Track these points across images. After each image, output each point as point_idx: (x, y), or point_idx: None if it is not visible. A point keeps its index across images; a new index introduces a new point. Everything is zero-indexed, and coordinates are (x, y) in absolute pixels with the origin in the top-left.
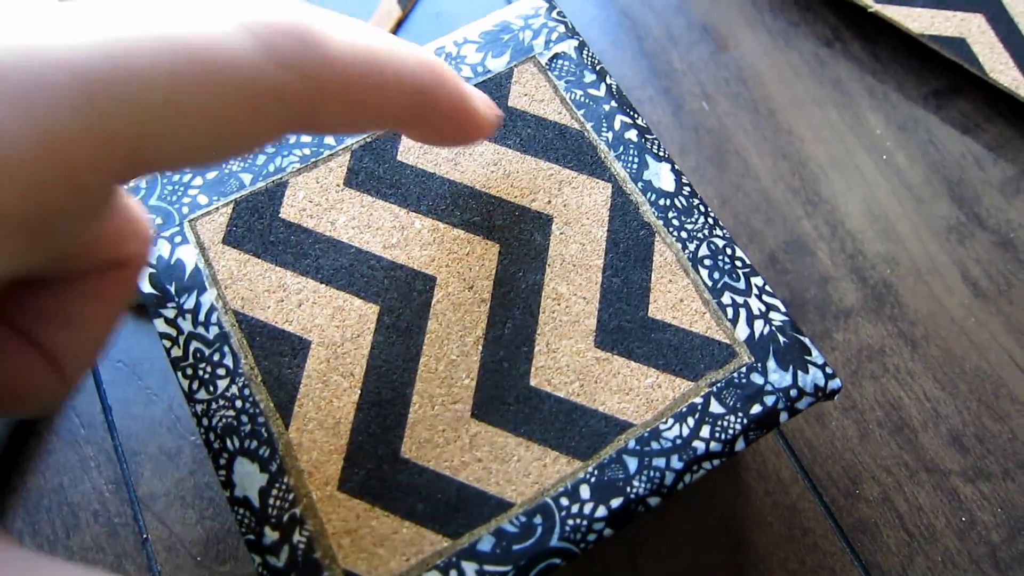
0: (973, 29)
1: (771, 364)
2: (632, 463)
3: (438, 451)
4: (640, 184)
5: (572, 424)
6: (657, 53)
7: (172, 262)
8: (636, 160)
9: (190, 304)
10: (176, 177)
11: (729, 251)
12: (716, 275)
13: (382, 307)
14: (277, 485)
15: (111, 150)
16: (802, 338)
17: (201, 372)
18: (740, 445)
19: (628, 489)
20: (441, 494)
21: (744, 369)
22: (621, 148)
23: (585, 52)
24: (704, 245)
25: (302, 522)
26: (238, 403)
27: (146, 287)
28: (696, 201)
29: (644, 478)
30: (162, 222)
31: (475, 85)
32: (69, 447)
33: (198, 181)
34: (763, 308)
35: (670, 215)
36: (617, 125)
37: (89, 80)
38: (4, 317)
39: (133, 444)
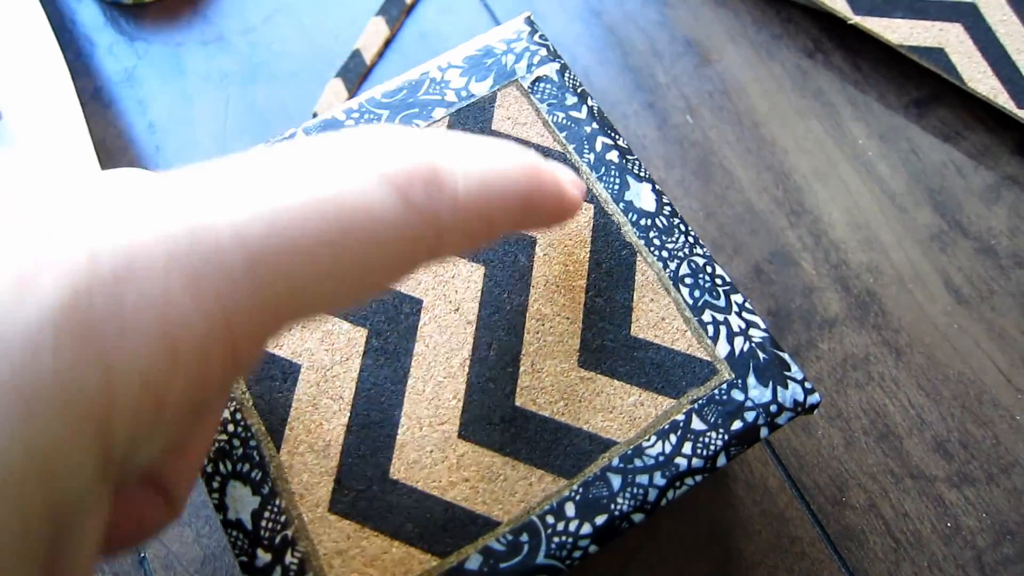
0: (951, 39)
1: (751, 380)
2: (616, 480)
3: (426, 472)
4: (622, 204)
5: (557, 443)
6: (641, 67)
7: None
8: (617, 181)
9: None
10: None
11: (709, 269)
12: (697, 293)
13: (370, 330)
14: (269, 507)
15: (270, 316)
16: (781, 354)
17: None
18: (722, 461)
19: (612, 506)
20: (429, 514)
21: (725, 386)
22: (603, 169)
23: (567, 75)
24: (685, 264)
25: (294, 543)
26: (230, 427)
27: None
28: (676, 220)
29: (628, 495)
30: None
31: (459, 109)
32: None
33: None
34: (743, 325)
35: (651, 235)
36: (599, 146)
37: (256, 256)
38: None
39: None
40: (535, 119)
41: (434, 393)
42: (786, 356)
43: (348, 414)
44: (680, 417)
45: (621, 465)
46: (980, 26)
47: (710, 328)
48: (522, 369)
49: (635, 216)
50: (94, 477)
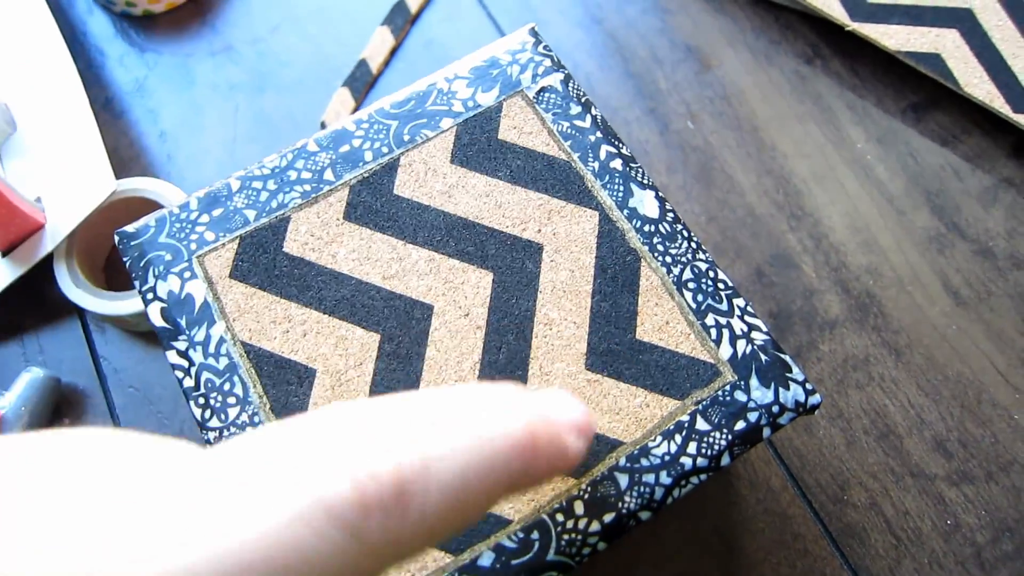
0: (948, 44)
1: (754, 382)
2: (623, 480)
3: None
4: (626, 211)
5: None
6: (643, 74)
7: (182, 297)
8: (621, 188)
9: (200, 336)
10: (183, 215)
11: (712, 274)
12: (700, 297)
13: (383, 335)
14: None
15: None
16: (783, 356)
17: (213, 401)
18: (726, 460)
19: (620, 504)
20: None
21: (728, 387)
22: (607, 177)
23: (571, 85)
24: (688, 269)
25: None
26: (248, 431)
27: (157, 321)
28: (679, 226)
29: (635, 494)
30: (171, 258)
31: (466, 119)
32: None
33: (204, 218)
34: (745, 328)
35: (655, 241)
36: (603, 155)
37: None
38: None
39: None
40: (540, 128)
41: None
42: (787, 358)
43: None
44: (685, 418)
45: (628, 465)
46: (976, 32)
47: (713, 331)
48: (531, 372)
49: (639, 223)
50: None
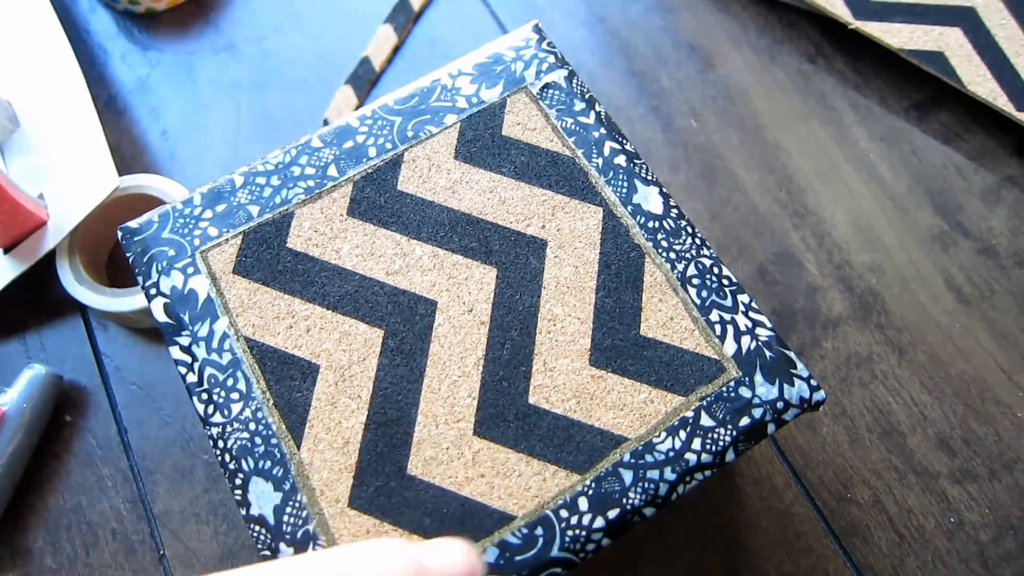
0: (951, 43)
1: (758, 378)
2: (627, 475)
3: (443, 468)
4: (630, 208)
5: (570, 439)
6: (646, 72)
7: (185, 292)
8: (625, 184)
9: (203, 332)
10: (187, 210)
11: (716, 270)
12: (704, 293)
13: (386, 331)
14: (291, 503)
15: None
16: (787, 352)
17: (216, 397)
18: (730, 456)
19: (624, 500)
20: (446, 509)
21: (732, 383)
22: (611, 173)
23: (575, 81)
24: (692, 265)
25: (315, 538)
26: (252, 426)
27: (161, 316)
28: (684, 223)
29: (639, 490)
30: (175, 254)
31: (470, 115)
32: (87, 468)
33: (208, 214)
34: (749, 324)
35: (659, 237)
36: (607, 151)
37: None
38: None
39: (148, 464)
40: (544, 124)
41: (449, 391)
42: (792, 354)
43: (366, 412)
44: (689, 414)
45: (632, 461)
46: (979, 30)
47: (717, 327)
48: (535, 368)
49: (643, 219)
50: None
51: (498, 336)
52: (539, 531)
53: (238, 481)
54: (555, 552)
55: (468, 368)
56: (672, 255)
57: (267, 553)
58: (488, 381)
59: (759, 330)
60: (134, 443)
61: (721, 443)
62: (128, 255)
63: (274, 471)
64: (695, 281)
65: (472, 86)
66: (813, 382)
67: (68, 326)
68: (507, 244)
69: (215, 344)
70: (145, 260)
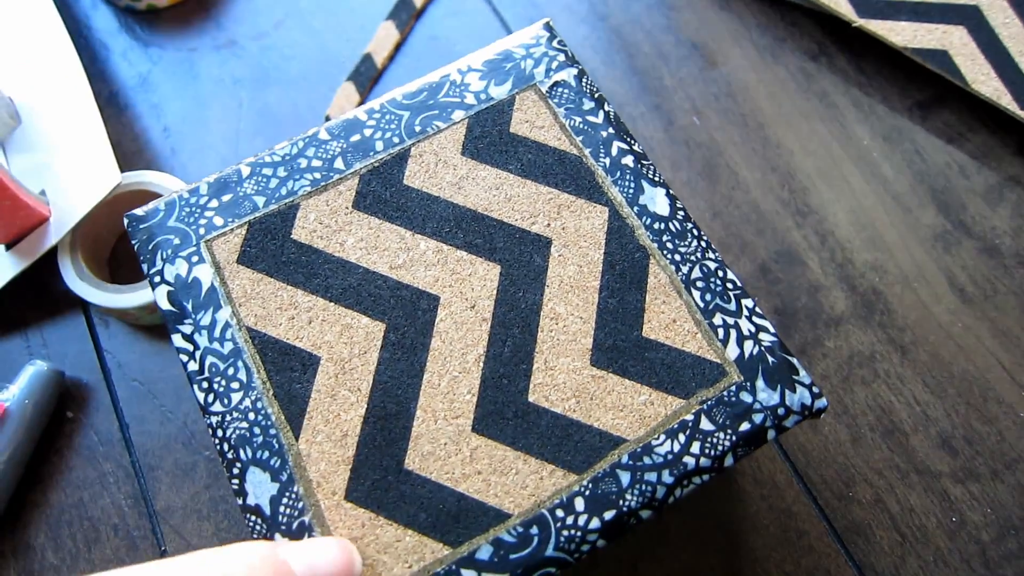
0: (955, 41)
1: (760, 383)
2: (625, 477)
3: (440, 463)
4: (636, 208)
5: (568, 439)
6: (648, 70)
7: (189, 281)
8: (632, 185)
9: (206, 321)
10: (193, 199)
11: (721, 273)
12: (708, 297)
13: (388, 325)
14: (287, 494)
15: None
16: (790, 358)
17: (216, 386)
18: (729, 461)
19: (621, 502)
20: (442, 504)
21: (734, 388)
22: (618, 173)
23: (584, 80)
24: (697, 268)
25: (311, 529)
26: (251, 415)
27: (164, 304)
28: (690, 225)
29: (636, 492)
30: (180, 242)
31: (478, 112)
32: (88, 464)
33: (214, 203)
34: (752, 329)
35: (664, 238)
36: (614, 151)
37: None
38: None
39: (150, 460)
40: (552, 123)
41: (449, 387)
42: (794, 360)
43: (365, 405)
44: (689, 417)
45: (630, 462)
46: (983, 28)
47: (720, 331)
48: (535, 366)
49: (649, 220)
50: None
51: (500, 333)
52: (534, 530)
53: (236, 471)
54: (550, 552)
55: (468, 364)
56: (677, 257)
57: None
58: (488, 378)
59: (762, 335)
60: (136, 439)
61: (720, 448)
62: (133, 242)
63: (272, 461)
64: (699, 284)
65: (481, 83)
66: (815, 389)
67: (70, 322)
68: (511, 241)
69: (217, 333)
70: (150, 248)
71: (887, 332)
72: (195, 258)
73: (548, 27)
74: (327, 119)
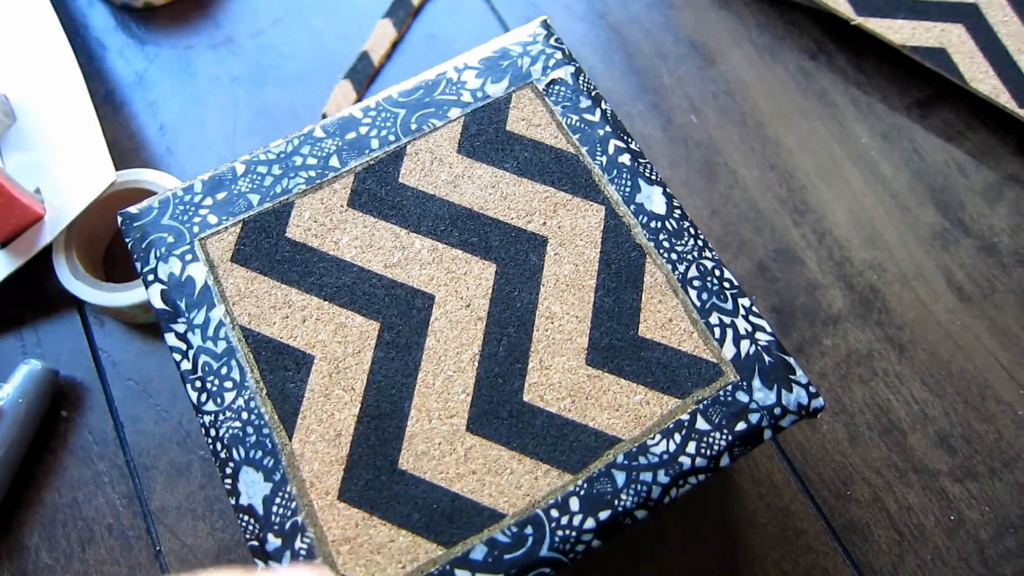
0: (953, 39)
1: (756, 383)
2: (620, 477)
3: (434, 463)
4: (632, 207)
5: (563, 438)
6: (646, 69)
7: (183, 279)
8: (629, 183)
9: (199, 319)
10: (187, 197)
11: (718, 272)
12: (704, 296)
13: (383, 324)
14: (280, 494)
15: None
16: (787, 357)
17: (209, 385)
18: (725, 461)
19: (616, 502)
20: (436, 504)
21: (730, 387)
22: (615, 172)
23: (581, 78)
24: (693, 267)
25: (303, 530)
26: (244, 415)
27: (158, 303)
28: (686, 224)
29: (631, 492)
30: (174, 241)
31: (475, 110)
32: (83, 463)
33: (208, 201)
34: (749, 328)
35: (661, 237)
36: (611, 149)
37: None
38: None
39: (145, 459)
40: (549, 121)
41: (444, 387)
42: (791, 360)
43: (359, 405)
44: (685, 417)
45: (626, 462)
46: (981, 27)
47: (717, 330)
48: (531, 365)
49: (645, 218)
50: None
51: (495, 332)
52: (529, 530)
53: (229, 470)
54: (544, 552)
55: (463, 364)
56: (673, 256)
57: (255, 543)
58: (483, 377)
59: (759, 334)
60: (130, 439)
61: (716, 447)
62: (127, 241)
63: (265, 461)
64: (696, 283)
65: (477, 80)
66: (812, 388)
67: (64, 321)
68: (507, 240)
69: (210, 332)
70: (144, 246)
71: (885, 331)
72: (189, 256)
73: (545, 25)
74: (324, 117)
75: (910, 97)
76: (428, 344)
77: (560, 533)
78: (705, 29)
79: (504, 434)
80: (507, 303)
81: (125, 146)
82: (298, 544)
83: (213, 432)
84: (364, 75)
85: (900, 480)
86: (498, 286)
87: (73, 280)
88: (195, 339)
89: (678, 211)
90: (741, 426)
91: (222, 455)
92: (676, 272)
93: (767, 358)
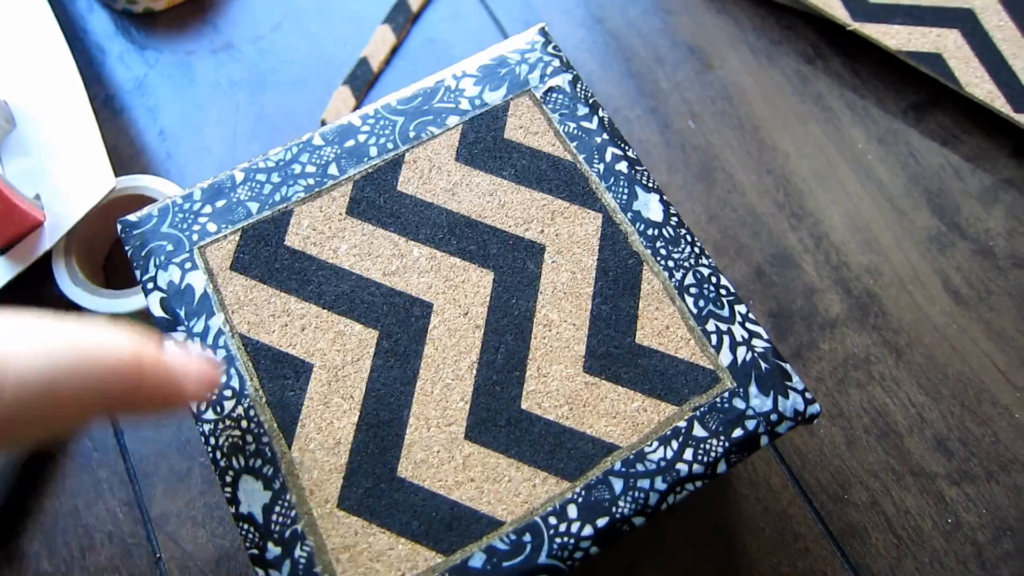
0: (949, 44)
1: (753, 389)
2: (618, 484)
3: (433, 471)
4: (629, 214)
5: (561, 446)
6: (644, 73)
7: (182, 287)
8: (626, 191)
9: (199, 328)
10: (187, 205)
11: (714, 279)
12: (701, 303)
13: (381, 332)
14: (280, 502)
15: None
16: (783, 364)
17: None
18: (722, 468)
19: (614, 509)
20: (435, 512)
21: (727, 394)
22: (612, 179)
23: (579, 86)
24: (690, 274)
25: (303, 538)
26: (243, 423)
27: (157, 311)
28: (683, 231)
29: (629, 498)
30: (173, 249)
31: (473, 118)
32: (83, 470)
33: (207, 209)
34: (746, 335)
35: (658, 244)
36: (608, 157)
37: None
38: None
39: (145, 466)
40: (547, 128)
41: (442, 395)
42: (787, 366)
43: (358, 413)
44: (682, 424)
45: (623, 469)
46: (977, 32)
47: (713, 337)
48: (528, 373)
49: (642, 226)
50: None
51: (493, 340)
52: (527, 537)
53: (228, 479)
54: (542, 559)
55: (462, 372)
56: (670, 263)
57: (255, 552)
58: (481, 385)
59: (755, 341)
60: (131, 446)
61: (713, 454)
62: (127, 249)
63: (264, 469)
64: (692, 290)
65: (475, 88)
66: (808, 395)
67: None
68: (505, 248)
69: (210, 340)
70: (143, 254)
71: (882, 334)
72: (188, 264)
73: (543, 32)
74: (323, 123)
75: (906, 101)
76: (426, 352)
77: (558, 540)
78: (702, 34)
79: (502, 442)
80: (505, 311)
81: (125, 151)
82: (298, 552)
83: (213, 441)
84: (363, 80)
85: (897, 483)
86: (496, 294)
87: (73, 287)
88: (195, 347)
89: (675, 218)
90: (738, 433)
91: (222, 463)
92: (673, 279)
93: (763, 365)
